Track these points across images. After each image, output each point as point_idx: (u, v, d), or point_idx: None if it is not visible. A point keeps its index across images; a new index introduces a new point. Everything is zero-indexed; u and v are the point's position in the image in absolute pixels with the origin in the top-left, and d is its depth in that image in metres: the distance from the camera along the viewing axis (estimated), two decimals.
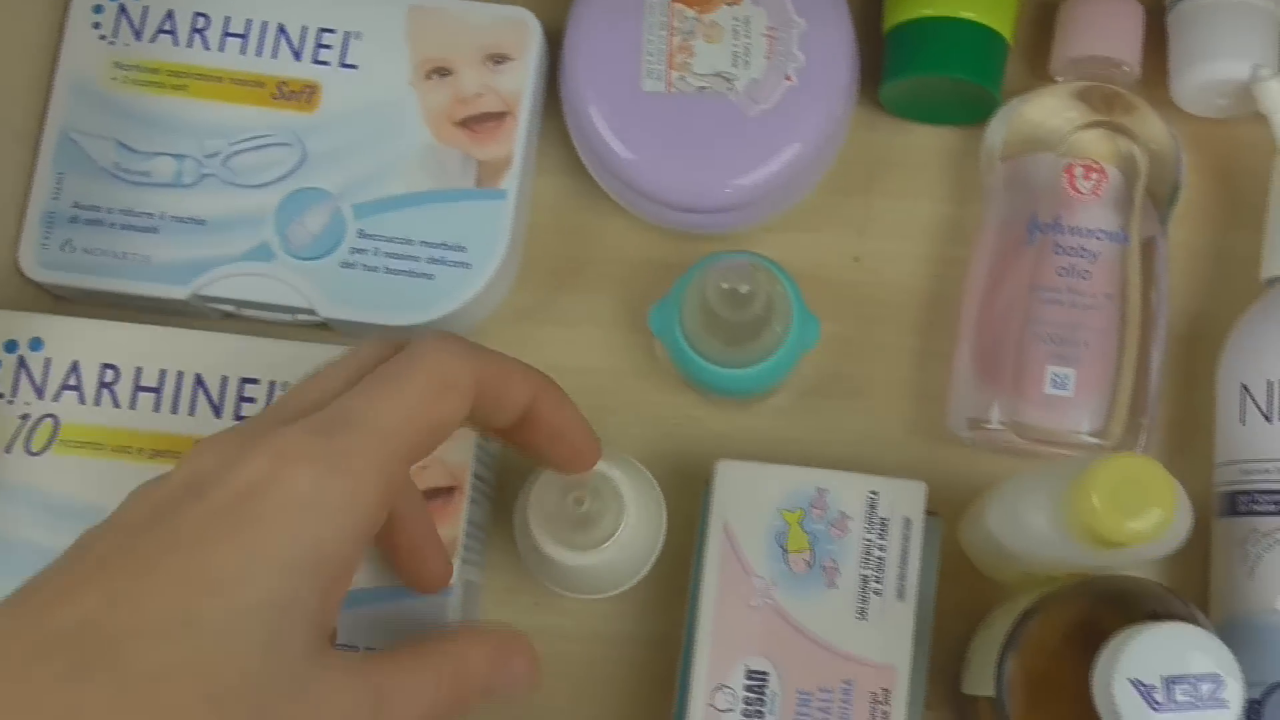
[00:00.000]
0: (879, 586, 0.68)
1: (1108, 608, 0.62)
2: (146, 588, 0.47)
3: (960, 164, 0.79)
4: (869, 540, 0.68)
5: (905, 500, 0.69)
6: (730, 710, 0.67)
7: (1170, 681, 0.55)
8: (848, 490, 0.69)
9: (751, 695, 0.67)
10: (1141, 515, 0.58)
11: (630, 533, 0.65)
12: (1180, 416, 0.76)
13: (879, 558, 0.68)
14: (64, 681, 0.44)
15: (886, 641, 0.68)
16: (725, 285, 0.67)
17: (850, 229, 0.79)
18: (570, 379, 0.74)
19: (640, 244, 0.78)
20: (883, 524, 0.68)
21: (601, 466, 0.65)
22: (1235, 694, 0.55)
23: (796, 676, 0.67)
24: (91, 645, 0.45)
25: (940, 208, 0.79)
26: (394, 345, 0.56)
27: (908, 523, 0.68)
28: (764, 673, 0.67)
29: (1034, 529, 0.64)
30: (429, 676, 0.53)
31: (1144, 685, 0.54)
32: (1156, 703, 0.54)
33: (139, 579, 0.47)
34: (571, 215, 0.79)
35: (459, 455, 0.69)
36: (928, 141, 0.79)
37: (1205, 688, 0.54)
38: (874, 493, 0.69)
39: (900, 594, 0.68)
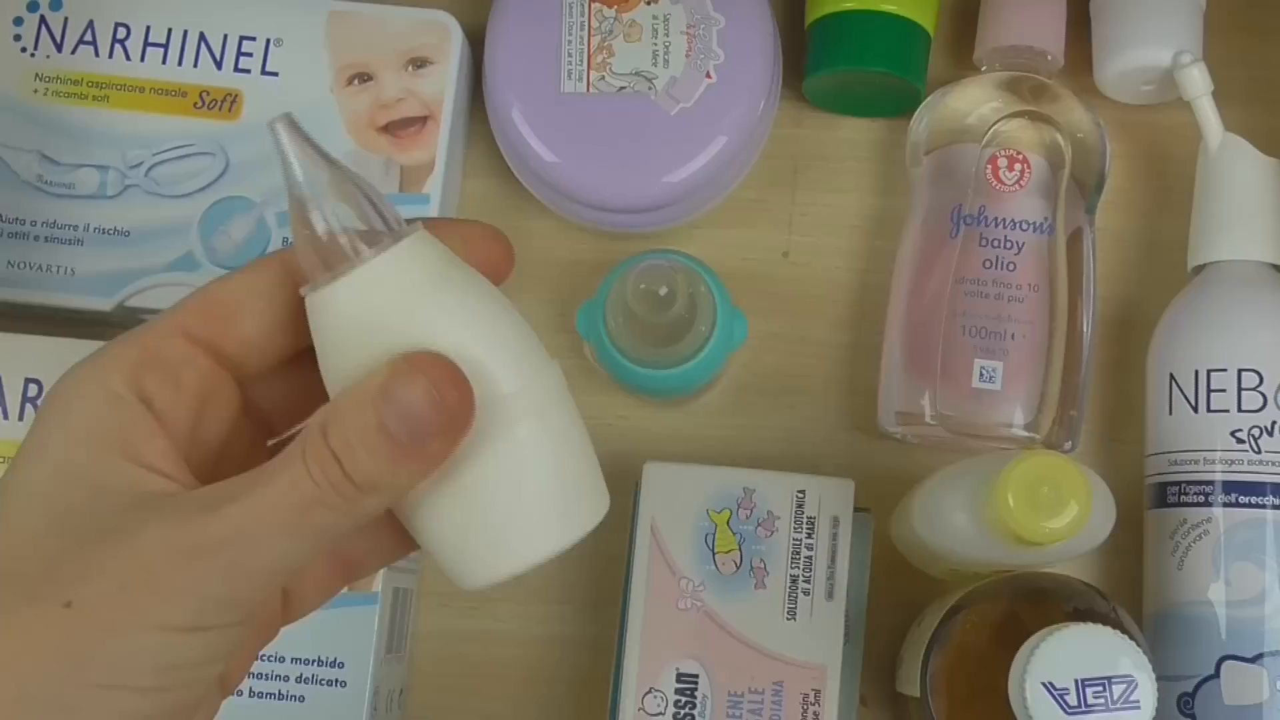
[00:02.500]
0: (808, 586, 0.68)
1: (1030, 606, 0.62)
2: None
3: (888, 156, 0.79)
4: (797, 540, 0.68)
5: (833, 498, 0.69)
6: (660, 714, 0.67)
7: (1083, 684, 0.54)
8: (775, 490, 0.69)
9: (682, 698, 0.67)
10: (1056, 514, 0.59)
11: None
12: (1114, 406, 0.76)
13: (807, 557, 0.68)
14: None
15: (816, 641, 0.67)
16: (644, 287, 0.67)
17: (778, 224, 0.78)
18: None
19: (568, 245, 0.78)
20: (810, 523, 0.68)
21: None
22: (1148, 695, 0.54)
23: (727, 678, 0.67)
24: None
25: (868, 201, 0.78)
26: None
27: (836, 521, 0.68)
28: (694, 675, 0.67)
29: (956, 527, 0.64)
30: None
31: (1056, 688, 0.54)
32: (1069, 706, 0.54)
33: None
34: (499, 218, 0.78)
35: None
36: (854, 135, 0.79)
37: (1118, 689, 0.54)
38: (801, 492, 0.69)
39: (829, 594, 0.68)
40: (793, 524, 0.68)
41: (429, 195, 0.73)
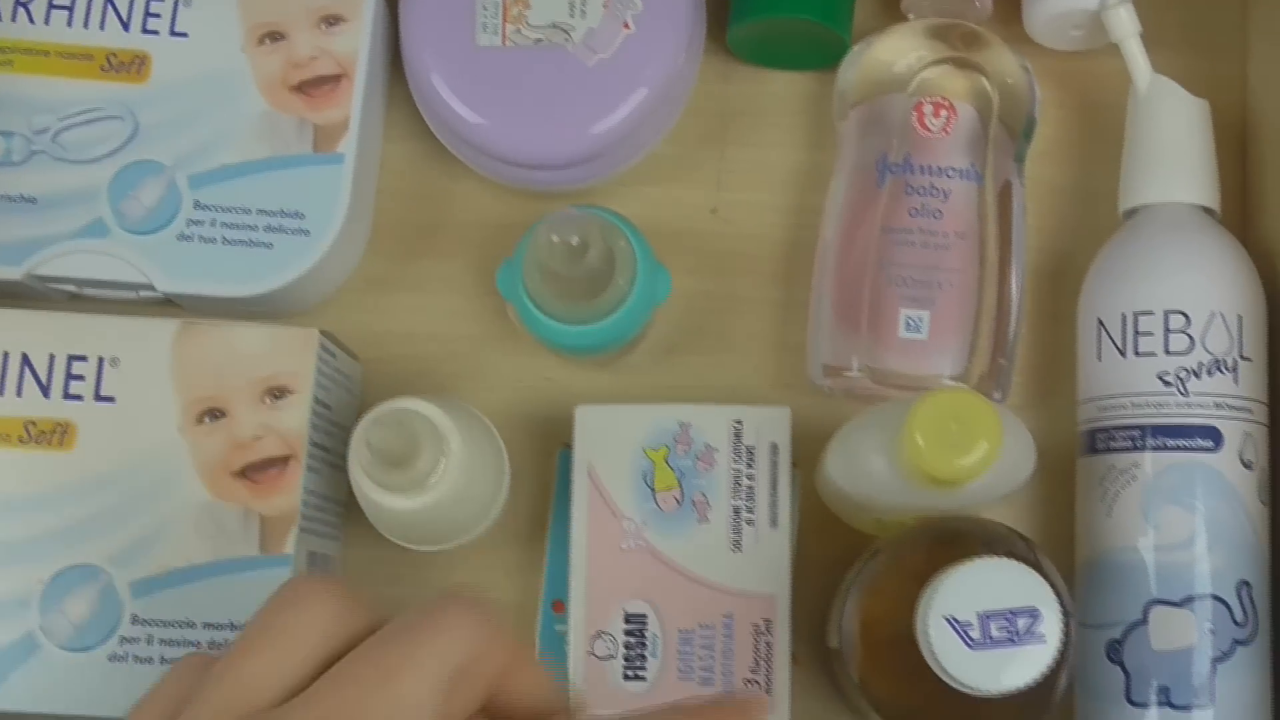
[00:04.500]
0: (751, 516, 0.67)
1: (946, 549, 0.60)
2: None
3: (817, 110, 0.77)
4: (737, 470, 0.67)
5: (770, 426, 0.67)
6: (611, 657, 0.66)
7: (986, 617, 0.53)
8: (711, 422, 0.68)
9: (631, 639, 0.66)
10: (966, 451, 0.57)
11: (457, 475, 0.63)
12: (1048, 356, 0.74)
13: (749, 487, 0.67)
14: None
15: (764, 571, 0.66)
16: (556, 238, 0.65)
17: (707, 180, 0.77)
18: (426, 346, 0.73)
19: (493, 206, 0.77)
20: (750, 452, 0.67)
21: (421, 405, 0.63)
22: (1053, 627, 0.53)
23: (676, 616, 0.66)
24: None
25: (797, 155, 0.77)
26: (357, 605, 0.44)
27: (775, 448, 0.67)
28: (642, 615, 0.66)
29: (873, 473, 0.62)
30: None
31: (959, 622, 0.53)
32: (972, 639, 0.53)
33: None
34: (423, 180, 0.77)
35: (294, 422, 0.67)
36: (782, 89, 0.78)
37: (1022, 622, 0.53)
38: (738, 422, 0.67)
39: (773, 521, 0.67)
40: (732, 455, 0.67)
41: (343, 154, 0.72)
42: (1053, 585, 0.56)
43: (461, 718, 0.42)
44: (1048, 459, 0.72)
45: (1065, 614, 0.55)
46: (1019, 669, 0.53)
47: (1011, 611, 0.53)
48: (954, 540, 0.59)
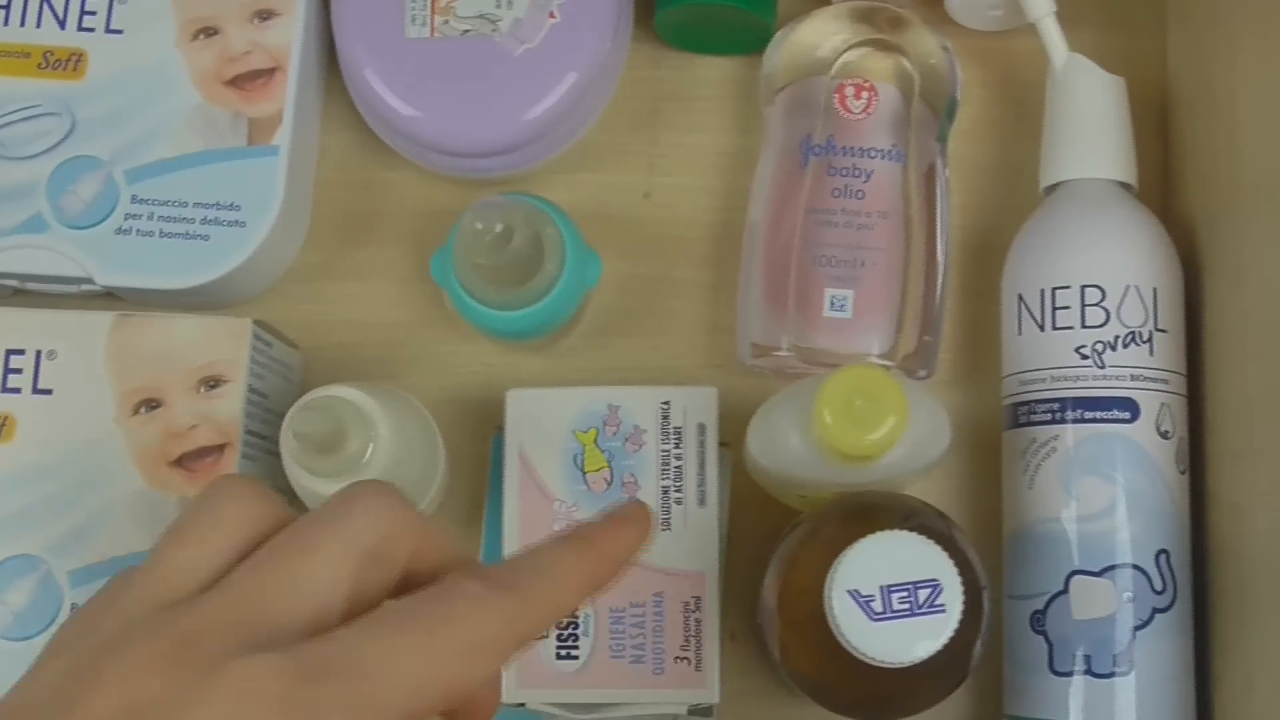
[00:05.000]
0: (680, 495, 0.68)
1: (860, 523, 0.61)
2: None
3: (747, 94, 0.78)
4: (665, 450, 0.68)
5: (698, 406, 0.69)
6: (544, 636, 0.67)
7: (888, 590, 0.54)
8: (639, 403, 0.69)
9: (563, 619, 0.67)
10: (873, 427, 0.58)
11: (386, 459, 0.65)
12: (975, 332, 0.76)
13: (677, 467, 0.68)
14: None
15: (693, 549, 0.68)
16: (480, 225, 0.66)
17: (639, 166, 0.78)
18: (365, 333, 0.74)
19: (430, 194, 0.78)
20: (677, 433, 0.68)
21: (349, 392, 0.64)
22: (954, 598, 0.54)
23: (607, 595, 0.67)
24: None
25: (728, 139, 0.78)
26: (272, 501, 0.45)
27: (702, 428, 0.68)
28: None
29: (790, 450, 0.63)
30: None
31: (862, 596, 0.54)
32: (875, 613, 0.54)
33: None
34: (360, 170, 0.78)
35: (229, 411, 0.69)
36: (712, 74, 0.79)
37: (923, 594, 0.54)
38: (666, 403, 0.69)
39: (701, 500, 0.68)
40: (660, 435, 0.68)
41: (277, 146, 0.73)
42: (964, 557, 0.57)
43: (377, 595, 0.43)
44: (976, 433, 0.74)
45: (975, 585, 0.56)
46: (921, 640, 0.54)
47: (913, 583, 0.54)
48: (868, 515, 0.61)
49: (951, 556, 0.56)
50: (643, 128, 0.78)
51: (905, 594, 0.54)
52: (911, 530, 0.56)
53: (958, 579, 0.54)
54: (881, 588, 0.54)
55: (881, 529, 0.57)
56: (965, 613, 0.55)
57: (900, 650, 0.54)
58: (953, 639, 0.55)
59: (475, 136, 0.73)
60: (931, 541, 0.54)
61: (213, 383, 0.69)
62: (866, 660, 0.55)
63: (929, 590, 0.54)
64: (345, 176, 0.78)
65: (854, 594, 0.54)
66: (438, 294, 0.74)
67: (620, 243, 0.76)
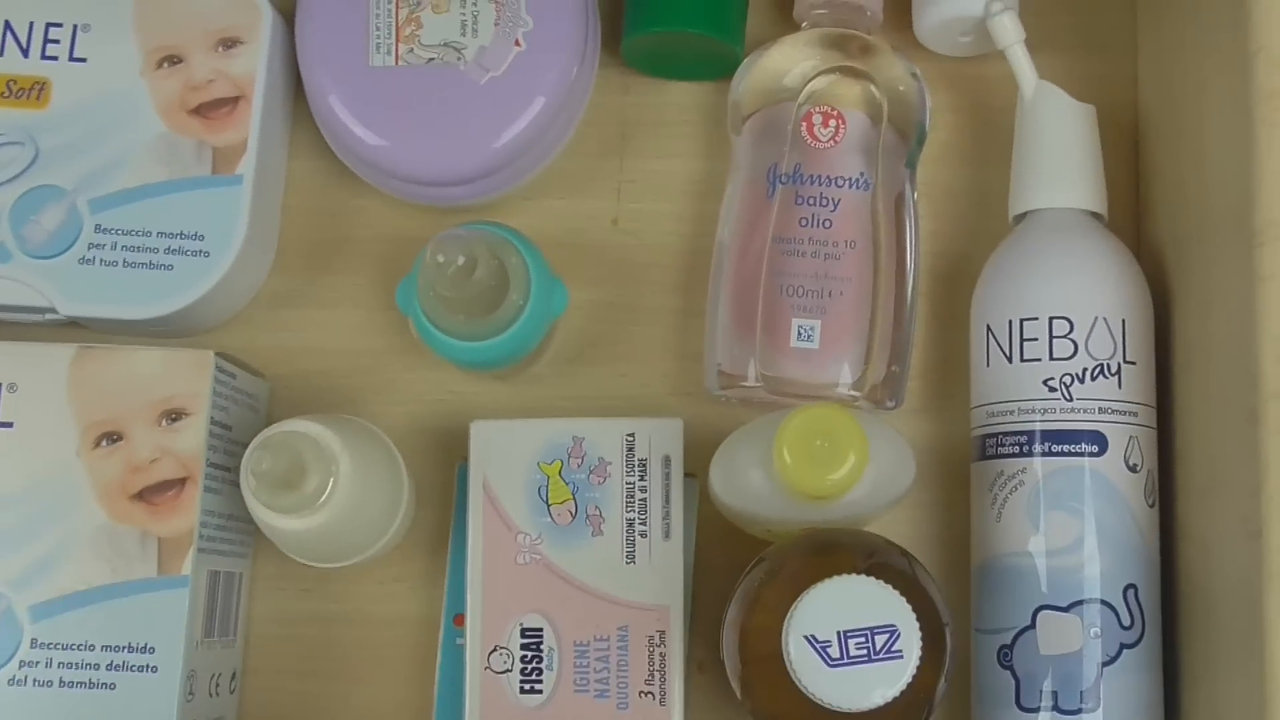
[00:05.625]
0: (644, 529, 0.67)
1: (822, 562, 0.61)
2: None
3: (716, 119, 0.78)
4: (630, 483, 0.68)
5: (663, 439, 0.68)
6: (508, 670, 0.67)
7: (845, 635, 0.54)
8: (604, 435, 0.68)
9: (528, 653, 0.67)
10: (834, 466, 0.58)
11: (348, 494, 0.64)
12: (944, 361, 0.75)
13: (642, 500, 0.68)
14: None
15: (657, 583, 0.67)
16: (441, 259, 0.66)
17: (607, 192, 0.78)
18: (331, 361, 0.74)
19: (397, 221, 0.78)
20: (642, 465, 0.68)
21: (307, 427, 0.64)
22: (911, 644, 0.54)
23: (571, 628, 0.67)
24: None
25: (698, 165, 0.78)
26: None
27: (667, 460, 0.68)
28: (538, 629, 0.67)
29: (751, 486, 0.63)
30: None
31: (818, 641, 0.54)
32: (831, 658, 0.54)
33: None
34: (327, 197, 0.78)
35: (191, 444, 0.68)
36: (681, 99, 0.78)
37: (880, 639, 0.54)
38: (631, 435, 0.68)
39: (666, 533, 0.67)
40: (625, 468, 0.68)
41: (241, 175, 0.73)
42: (925, 597, 0.57)
43: None
44: (947, 462, 0.73)
45: (937, 624, 0.56)
46: (878, 686, 0.54)
47: (870, 629, 0.54)
48: (829, 553, 0.60)
49: (912, 598, 0.55)
50: (611, 154, 0.78)
51: (862, 640, 0.54)
52: (871, 572, 0.55)
53: (915, 624, 0.54)
54: (839, 633, 0.54)
55: (842, 569, 0.56)
56: (926, 654, 0.55)
57: (857, 696, 0.54)
58: (912, 682, 0.54)
59: (442, 165, 0.73)
60: (889, 586, 0.54)
61: (175, 415, 0.68)
62: (824, 706, 0.54)
63: (886, 636, 0.54)
64: (312, 204, 0.78)
65: (811, 639, 0.54)
66: (405, 322, 0.74)
67: (589, 270, 0.76)
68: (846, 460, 0.58)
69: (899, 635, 0.54)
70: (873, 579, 0.54)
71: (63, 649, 0.67)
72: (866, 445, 0.57)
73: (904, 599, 0.54)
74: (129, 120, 0.73)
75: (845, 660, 0.54)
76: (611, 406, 0.75)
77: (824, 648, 0.54)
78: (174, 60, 0.74)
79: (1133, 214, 0.75)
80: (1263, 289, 0.58)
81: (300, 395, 0.76)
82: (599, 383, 0.76)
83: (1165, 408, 0.69)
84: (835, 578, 0.54)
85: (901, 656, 0.53)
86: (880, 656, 0.54)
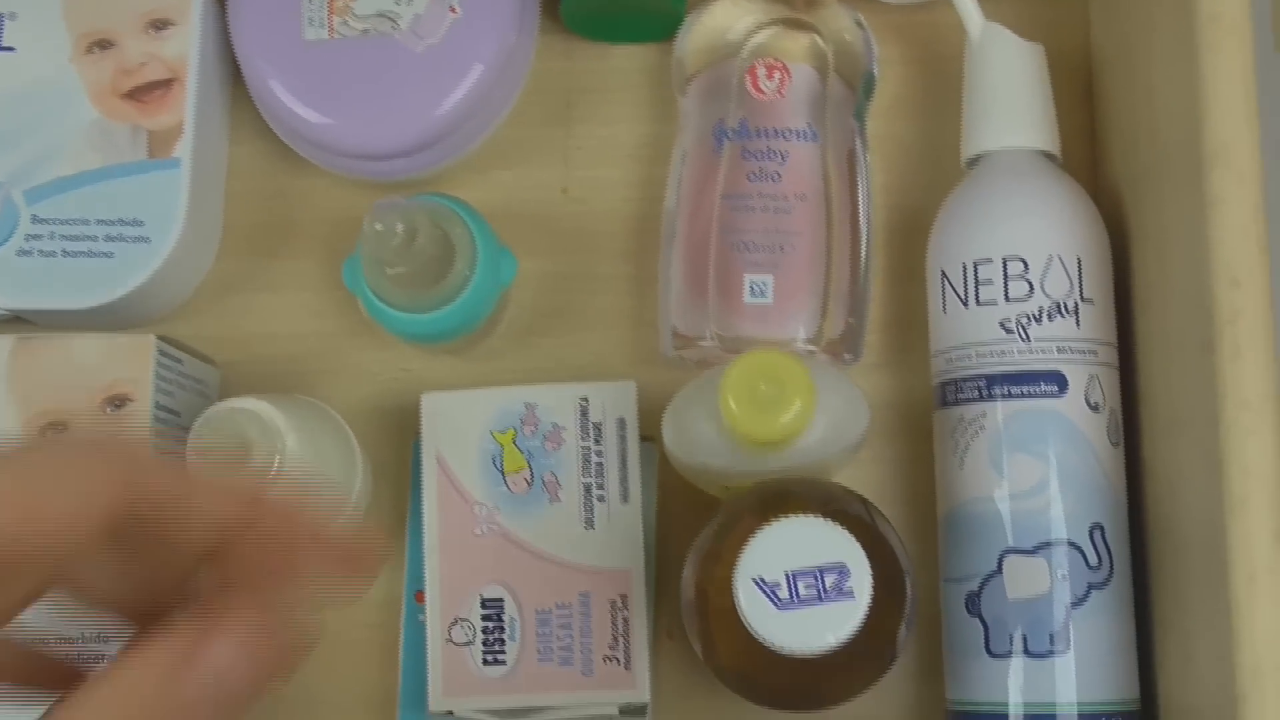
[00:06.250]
0: (602, 493, 0.66)
1: (774, 512, 0.59)
2: None
3: (661, 81, 0.77)
4: (586, 448, 0.67)
5: (617, 401, 0.67)
6: (470, 642, 0.66)
7: (794, 576, 0.52)
8: (557, 401, 0.67)
9: (489, 624, 0.66)
10: (779, 411, 0.56)
11: (295, 470, 0.63)
12: (902, 315, 0.74)
13: (598, 464, 0.66)
14: None
15: (617, 547, 0.66)
16: (380, 227, 0.65)
17: (555, 161, 0.77)
18: (283, 345, 0.73)
19: (343, 200, 0.76)
20: (597, 429, 0.67)
21: (251, 404, 0.62)
22: (863, 583, 0.52)
23: (532, 597, 0.66)
24: None
25: (645, 128, 0.76)
26: None
27: (622, 423, 0.67)
28: (499, 599, 0.66)
29: (703, 439, 0.62)
30: None
31: (767, 583, 0.52)
32: (780, 600, 0.52)
33: None
34: (271, 180, 0.77)
35: (135, 430, 0.67)
36: (625, 63, 0.77)
37: (829, 579, 0.52)
38: (584, 399, 0.67)
39: (624, 497, 0.66)
40: (579, 433, 0.67)
41: (179, 159, 0.71)
42: (881, 540, 0.55)
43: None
44: (909, 416, 0.72)
45: (895, 568, 0.54)
46: (830, 627, 0.53)
47: (819, 569, 0.52)
48: (782, 501, 0.59)
49: (865, 540, 0.54)
50: (557, 121, 0.76)
51: (811, 580, 0.52)
52: (825, 517, 0.54)
53: (866, 563, 0.52)
54: (787, 574, 0.52)
55: (795, 513, 0.55)
56: (883, 598, 0.53)
57: (809, 639, 0.53)
58: (869, 624, 0.53)
59: (382, 137, 0.72)
60: (838, 525, 0.52)
61: (119, 402, 0.67)
62: (774, 649, 0.53)
63: (835, 575, 0.52)
64: (255, 187, 0.77)
65: (759, 581, 0.52)
66: (355, 302, 0.72)
67: (540, 240, 0.75)
68: (792, 404, 0.56)
69: (849, 574, 0.52)
70: (820, 518, 0.53)
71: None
72: (813, 388, 0.56)
73: (853, 537, 0.52)
74: (61, 108, 0.72)
75: (795, 602, 0.52)
76: (568, 377, 0.74)
77: (773, 589, 0.52)
78: (104, 45, 0.72)
79: (1090, 158, 0.74)
80: (1213, 213, 0.57)
81: (253, 380, 0.74)
82: (554, 353, 0.75)
83: (1129, 348, 0.68)
84: (783, 518, 0.53)
85: (853, 597, 0.52)
86: (831, 597, 0.52)
